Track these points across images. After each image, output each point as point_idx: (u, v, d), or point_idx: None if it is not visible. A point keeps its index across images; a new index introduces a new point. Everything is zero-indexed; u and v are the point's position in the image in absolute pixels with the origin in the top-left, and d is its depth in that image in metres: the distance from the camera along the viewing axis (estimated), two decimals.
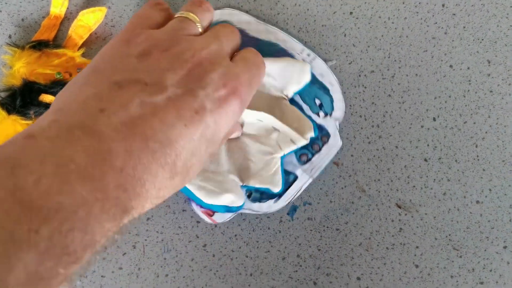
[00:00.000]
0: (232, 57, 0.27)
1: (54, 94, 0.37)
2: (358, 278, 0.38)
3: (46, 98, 0.36)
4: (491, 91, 0.40)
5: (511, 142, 0.39)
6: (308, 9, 0.40)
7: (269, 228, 0.38)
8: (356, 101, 0.39)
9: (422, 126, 0.39)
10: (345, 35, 0.40)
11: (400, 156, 0.39)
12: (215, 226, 0.38)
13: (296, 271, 0.38)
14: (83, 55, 0.39)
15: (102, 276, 0.37)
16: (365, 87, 0.39)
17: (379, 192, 0.38)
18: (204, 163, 0.24)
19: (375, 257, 0.38)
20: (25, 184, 0.17)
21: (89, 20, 0.39)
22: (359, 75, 0.40)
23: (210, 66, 0.24)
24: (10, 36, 0.39)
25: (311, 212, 0.38)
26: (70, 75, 0.38)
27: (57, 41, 0.39)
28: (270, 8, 0.40)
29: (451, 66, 0.40)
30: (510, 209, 0.38)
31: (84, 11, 0.39)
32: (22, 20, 0.40)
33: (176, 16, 0.27)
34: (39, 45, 0.38)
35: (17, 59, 0.37)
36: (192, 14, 0.27)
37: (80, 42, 0.39)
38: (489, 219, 0.38)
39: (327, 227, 0.38)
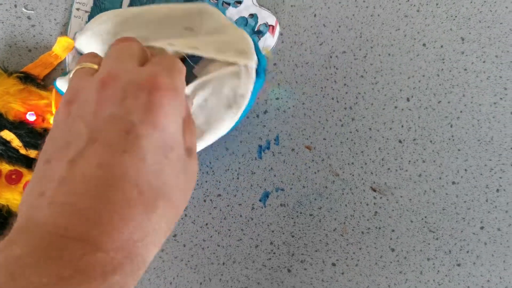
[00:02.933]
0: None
1: (16, 134, 0.35)
2: (333, 264, 0.37)
3: (6, 135, 0.35)
4: (465, 69, 0.39)
5: (486, 121, 0.38)
6: None
7: (241, 216, 0.37)
8: (327, 83, 0.38)
9: (395, 107, 0.38)
10: (315, 15, 0.39)
11: (374, 138, 0.38)
12: (185, 215, 0.37)
13: (270, 259, 0.37)
14: None
15: None
16: (336, 69, 0.38)
17: (353, 175, 0.37)
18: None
19: (350, 242, 0.37)
20: None
21: None
22: (330, 56, 0.38)
23: (114, 82, 0.22)
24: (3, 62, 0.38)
25: (284, 198, 0.37)
26: (43, 120, 0.36)
27: (46, 81, 0.37)
28: None
29: (424, 44, 0.39)
30: (486, 189, 0.38)
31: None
32: (28, 48, 0.38)
33: (71, 73, 0.26)
34: (26, 79, 0.36)
35: None
36: (84, 64, 0.25)
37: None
38: (465, 199, 0.38)
39: (301, 213, 0.37)
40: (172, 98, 0.22)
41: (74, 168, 0.20)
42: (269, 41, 0.38)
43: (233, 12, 0.37)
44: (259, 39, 0.38)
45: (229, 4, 0.37)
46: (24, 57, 0.38)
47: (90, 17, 0.38)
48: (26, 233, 0.18)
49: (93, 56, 0.26)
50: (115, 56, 0.24)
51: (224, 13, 0.31)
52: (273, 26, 0.38)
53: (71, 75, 0.25)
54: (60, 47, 0.37)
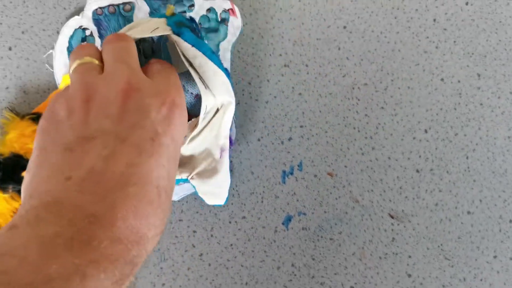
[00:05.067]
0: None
1: None
2: (352, 287, 0.38)
3: None
4: (481, 104, 0.41)
5: (501, 154, 0.40)
6: (303, 23, 0.41)
7: (264, 238, 0.39)
8: (349, 113, 0.40)
9: (414, 138, 0.40)
10: (339, 49, 0.41)
11: (392, 167, 0.40)
12: (211, 236, 0.38)
13: (291, 280, 0.38)
14: None
15: None
16: (358, 100, 0.40)
17: (372, 202, 0.39)
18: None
19: (368, 267, 0.39)
20: (8, 268, 0.17)
21: None
22: (353, 88, 0.40)
23: (138, 94, 0.24)
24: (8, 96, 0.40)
25: (306, 222, 0.39)
26: None
27: None
28: (265, 22, 0.41)
29: (442, 79, 0.41)
30: (500, 219, 0.39)
31: None
32: (32, 87, 0.40)
33: (72, 67, 0.26)
34: (38, 119, 0.36)
35: (13, 128, 0.36)
36: (85, 58, 0.26)
37: None
38: (480, 229, 0.39)
39: (321, 236, 0.39)
40: (183, 115, 0.26)
41: (104, 163, 0.21)
42: (235, 22, 0.40)
43: (192, 14, 0.39)
44: (227, 25, 0.40)
45: (185, 11, 0.39)
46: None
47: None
48: (56, 213, 0.19)
49: (89, 47, 0.27)
50: (119, 58, 0.25)
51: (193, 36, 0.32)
52: (231, 9, 0.40)
53: (71, 69, 0.26)
54: (66, 84, 0.39)
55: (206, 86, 0.31)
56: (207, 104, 0.31)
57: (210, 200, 0.36)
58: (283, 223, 0.39)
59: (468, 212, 0.39)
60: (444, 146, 0.40)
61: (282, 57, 0.41)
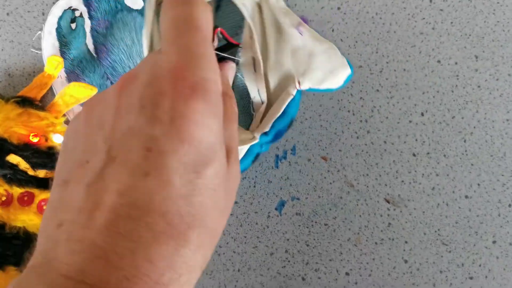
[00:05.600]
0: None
1: (22, 156, 0.35)
2: (347, 274, 0.37)
3: (13, 159, 0.35)
4: (479, 86, 0.40)
5: (499, 137, 0.39)
6: (296, 4, 0.40)
7: (256, 223, 0.38)
8: (344, 95, 0.39)
9: (410, 121, 0.39)
10: (332, 30, 0.40)
11: (388, 151, 0.39)
12: None
13: (284, 266, 0.37)
14: (65, 122, 0.38)
15: None
16: (353, 82, 0.39)
17: (367, 187, 0.38)
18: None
19: (364, 252, 0.38)
20: None
21: (79, 93, 0.38)
22: None
23: (131, 85, 0.18)
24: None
25: (299, 207, 0.38)
26: (46, 139, 0.37)
27: (43, 102, 0.39)
28: None
29: (439, 61, 0.40)
30: (498, 204, 0.38)
31: (76, 83, 0.38)
32: (16, 69, 0.39)
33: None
34: (23, 102, 0.36)
35: None
36: None
37: (65, 111, 0.38)
38: (478, 214, 0.38)
39: (316, 222, 0.38)
40: (205, 98, 0.17)
41: (92, 195, 0.16)
42: None
43: None
44: None
45: None
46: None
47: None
48: (40, 275, 0.16)
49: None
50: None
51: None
52: None
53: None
54: (51, 66, 0.38)
55: None
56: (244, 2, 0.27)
57: (332, 82, 0.29)
58: (276, 208, 0.38)
59: (466, 197, 0.38)
60: (441, 129, 0.39)
61: None
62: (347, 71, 0.29)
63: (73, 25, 0.39)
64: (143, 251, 0.15)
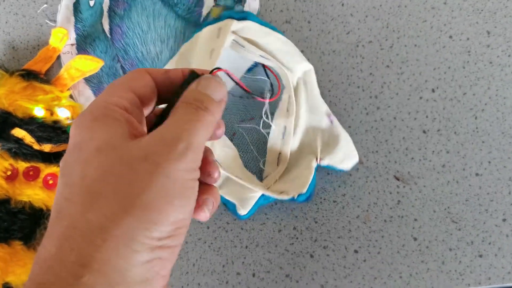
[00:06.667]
0: None
1: (28, 130, 0.35)
2: (356, 251, 0.37)
3: (18, 133, 0.35)
4: (490, 63, 0.39)
5: (511, 114, 0.38)
6: None
7: None
8: (353, 71, 0.39)
9: (421, 98, 0.38)
10: (342, 5, 0.39)
11: (398, 127, 0.38)
12: None
13: (292, 243, 0.37)
14: (70, 97, 0.37)
15: None
16: (363, 58, 0.39)
17: (377, 163, 0.38)
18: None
19: (372, 230, 0.37)
20: None
21: (85, 66, 0.37)
22: (357, 45, 0.39)
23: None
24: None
25: None
26: (51, 113, 0.36)
27: (48, 75, 0.38)
28: None
29: (450, 36, 0.39)
30: (509, 181, 0.38)
31: (82, 56, 0.37)
32: (21, 42, 0.38)
33: None
34: (28, 75, 0.36)
35: (2, 84, 0.35)
36: None
37: (70, 84, 0.37)
38: (488, 191, 0.38)
39: (324, 199, 0.37)
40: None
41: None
42: (253, 4, 0.38)
43: None
44: (243, 6, 0.38)
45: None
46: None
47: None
48: None
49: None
50: None
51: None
52: None
53: None
54: (56, 39, 0.37)
55: (281, 64, 0.33)
56: (285, 79, 0.34)
57: (347, 164, 0.36)
58: None
59: (477, 174, 0.38)
60: (452, 106, 0.38)
61: (284, 13, 0.39)
62: (356, 159, 0.36)
63: (92, 2, 0.38)
64: None
